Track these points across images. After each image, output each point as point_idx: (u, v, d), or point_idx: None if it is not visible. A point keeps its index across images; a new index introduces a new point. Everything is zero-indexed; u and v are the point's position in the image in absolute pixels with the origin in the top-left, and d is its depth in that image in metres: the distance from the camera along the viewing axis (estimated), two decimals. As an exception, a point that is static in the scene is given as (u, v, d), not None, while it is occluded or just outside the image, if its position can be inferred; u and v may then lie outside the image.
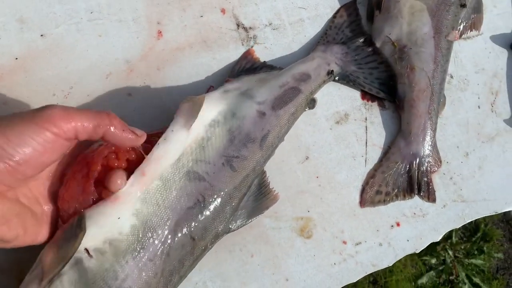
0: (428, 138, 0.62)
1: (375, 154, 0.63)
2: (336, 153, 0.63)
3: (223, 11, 0.66)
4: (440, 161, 0.64)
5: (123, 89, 0.60)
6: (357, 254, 0.59)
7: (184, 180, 0.48)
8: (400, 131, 0.63)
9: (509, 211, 1.68)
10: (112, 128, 0.43)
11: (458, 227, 0.62)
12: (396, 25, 0.64)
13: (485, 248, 1.60)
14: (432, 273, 1.54)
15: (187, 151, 0.49)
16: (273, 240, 0.58)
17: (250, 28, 0.66)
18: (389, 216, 0.61)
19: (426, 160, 0.62)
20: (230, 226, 0.52)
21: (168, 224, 0.46)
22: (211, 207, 0.49)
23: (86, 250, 0.42)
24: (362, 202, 0.61)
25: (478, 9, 0.70)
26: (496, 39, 0.72)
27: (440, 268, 1.55)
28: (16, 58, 0.57)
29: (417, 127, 0.62)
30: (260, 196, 0.55)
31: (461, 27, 0.68)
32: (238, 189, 0.52)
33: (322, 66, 0.62)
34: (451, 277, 1.54)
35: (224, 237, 0.57)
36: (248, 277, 0.56)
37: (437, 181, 0.63)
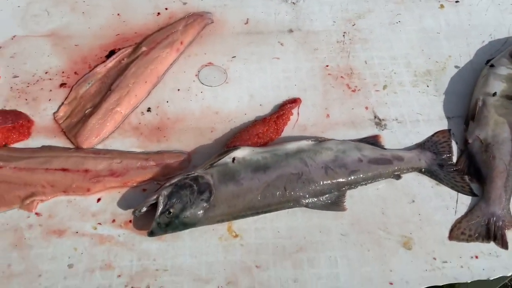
0: (503, 204, 0.88)
1: (462, 209, 0.91)
2: (434, 203, 0.92)
3: (366, 108, 1.06)
4: (514, 222, 0.88)
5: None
6: (443, 268, 0.83)
7: (298, 161, 0.90)
8: (482, 197, 0.91)
9: None
10: None
11: (524, 271, 0.82)
12: (484, 130, 0.97)
13: None
14: None
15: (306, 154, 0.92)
16: (380, 245, 0.86)
17: (383, 119, 1.04)
18: (470, 250, 0.85)
19: (501, 219, 0.87)
20: (306, 201, 0.87)
21: (274, 178, 0.87)
22: (301, 180, 0.87)
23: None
24: (450, 237, 0.87)
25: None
26: None
27: None
28: None
29: (495, 195, 0.89)
30: (335, 201, 0.90)
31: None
32: (321, 185, 0.89)
33: (414, 158, 0.96)
34: None
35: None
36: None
37: (510, 236, 0.87)
